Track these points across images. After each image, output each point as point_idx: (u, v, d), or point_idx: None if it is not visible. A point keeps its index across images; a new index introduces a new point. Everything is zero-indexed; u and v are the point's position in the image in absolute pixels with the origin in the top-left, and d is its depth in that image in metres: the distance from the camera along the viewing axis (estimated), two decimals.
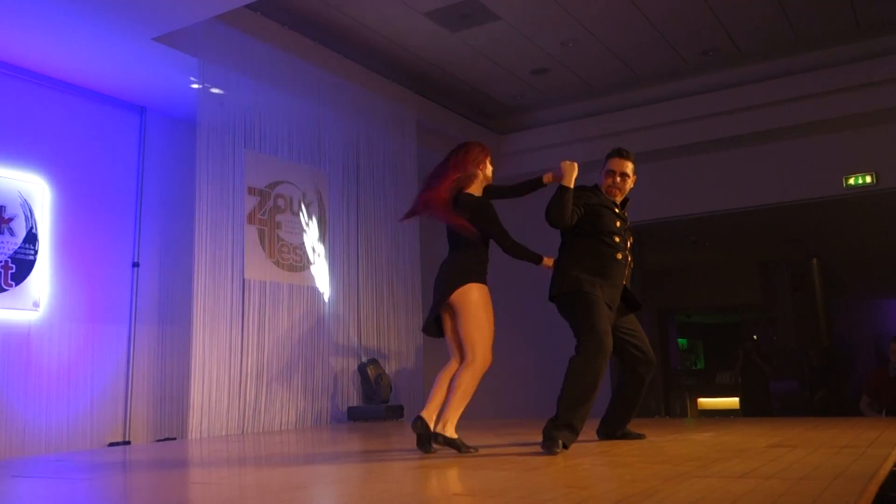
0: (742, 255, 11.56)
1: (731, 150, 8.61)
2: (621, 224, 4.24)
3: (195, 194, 6.17)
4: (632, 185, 4.40)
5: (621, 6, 6.66)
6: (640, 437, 4.41)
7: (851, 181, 8.02)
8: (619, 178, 4.33)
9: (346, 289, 7.42)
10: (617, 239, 4.18)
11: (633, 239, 4.40)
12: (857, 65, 7.53)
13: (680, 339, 14.58)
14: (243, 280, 6.43)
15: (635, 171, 4.41)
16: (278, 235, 6.85)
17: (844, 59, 7.56)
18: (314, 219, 7.22)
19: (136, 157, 6.90)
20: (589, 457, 3.60)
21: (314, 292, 7.10)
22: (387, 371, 7.51)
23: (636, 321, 4.39)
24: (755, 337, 12.72)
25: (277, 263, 6.78)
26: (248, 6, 6.10)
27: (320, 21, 6.78)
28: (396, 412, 7.30)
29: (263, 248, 6.69)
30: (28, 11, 5.32)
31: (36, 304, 5.99)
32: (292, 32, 6.73)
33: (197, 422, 5.92)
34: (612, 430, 4.43)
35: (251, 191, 6.65)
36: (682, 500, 2.33)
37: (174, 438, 6.51)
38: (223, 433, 6.06)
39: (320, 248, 7.22)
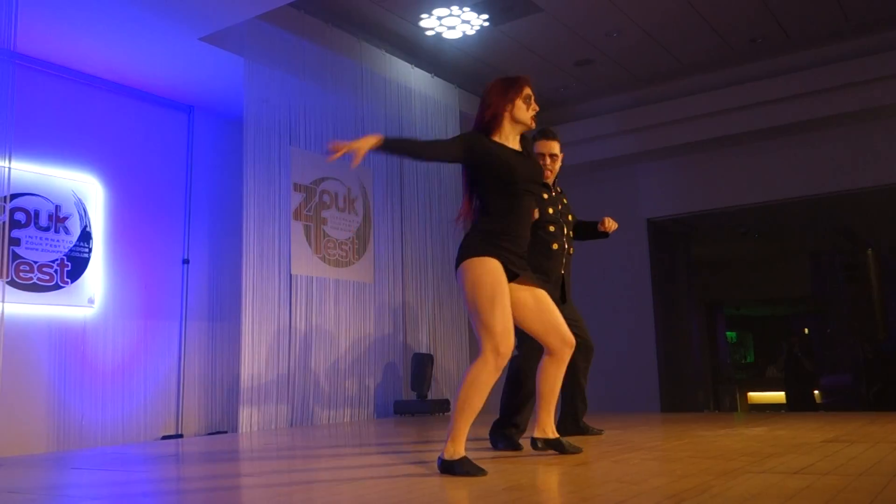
0: (793, 247, 11.33)
1: (780, 139, 8.43)
2: (555, 211, 4.02)
3: (242, 191, 6.26)
4: (560, 165, 4.22)
5: None
6: (599, 432, 4.33)
7: None
8: (548, 160, 4.13)
9: (392, 283, 7.46)
10: (552, 228, 3.98)
11: (574, 223, 4.21)
12: None
13: (729, 333, 14.34)
14: (290, 275, 6.51)
15: (562, 150, 4.24)
16: (324, 231, 6.90)
17: None
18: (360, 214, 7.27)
19: (184, 156, 7.03)
20: (639, 452, 3.56)
21: (360, 287, 7.15)
22: (433, 365, 7.52)
23: (574, 309, 4.17)
24: (805, 330, 12.46)
25: (324, 259, 6.84)
26: (291, 5, 6.16)
27: (363, 18, 6.81)
28: (443, 406, 7.31)
29: (310, 244, 6.75)
30: (78, 16, 5.45)
31: (91, 301, 6.15)
32: (335, 29, 6.78)
33: (247, 415, 6.01)
34: (571, 427, 4.29)
35: (297, 187, 6.71)
36: (735, 496, 2.29)
37: (225, 432, 6.63)
38: (272, 427, 6.14)
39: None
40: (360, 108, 7.27)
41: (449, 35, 7.17)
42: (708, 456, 3.26)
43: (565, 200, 4.22)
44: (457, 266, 3.09)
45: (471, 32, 7.13)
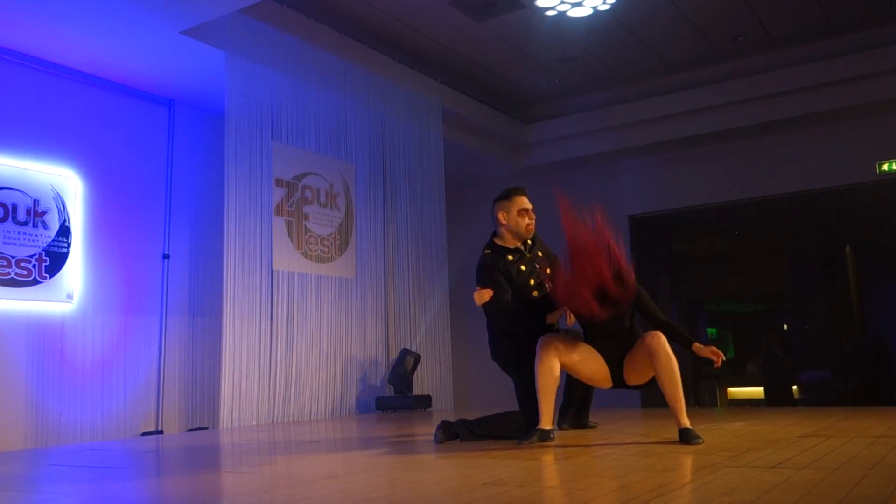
0: (772, 244, 11.41)
1: (761, 137, 8.50)
2: (528, 270, 4.00)
3: (224, 186, 6.22)
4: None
5: None
6: (594, 426, 4.51)
7: (885, 167, 7.89)
8: (532, 215, 4.08)
9: (374, 279, 7.45)
10: (536, 293, 4.01)
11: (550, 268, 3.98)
12: (891, 48, 7.38)
13: (709, 329, 14.45)
14: (272, 271, 6.48)
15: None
16: (306, 227, 6.88)
17: (877, 43, 7.42)
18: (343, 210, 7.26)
19: (165, 151, 6.97)
20: (619, 446, 3.58)
21: (342, 283, 7.14)
22: (415, 362, 7.52)
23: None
24: (785, 326, 12.57)
25: (305, 255, 6.82)
26: None
27: (346, 12, 6.79)
28: (424, 402, 7.32)
29: (291, 240, 6.73)
30: (58, 8, 5.38)
31: (70, 297, 6.09)
32: (318, 24, 6.74)
33: (228, 411, 5.98)
34: (580, 422, 4.46)
35: (279, 182, 6.69)
36: (714, 490, 2.31)
37: (206, 428, 6.59)
38: (253, 423, 6.12)
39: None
40: (343, 103, 7.25)
41: (574, 13, 6.81)
42: (687, 451, 3.29)
43: (540, 253, 4.12)
44: None
45: (604, 7, 6.71)
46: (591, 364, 3.79)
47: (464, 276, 9.24)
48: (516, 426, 3.92)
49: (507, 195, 4.10)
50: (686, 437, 3.56)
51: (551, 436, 3.70)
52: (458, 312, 8.74)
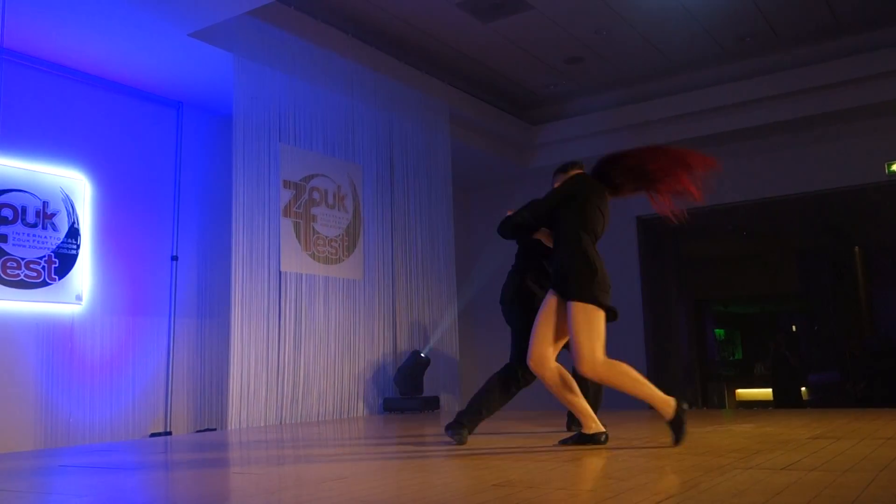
0: (781, 244, 11.38)
1: (769, 138, 8.47)
2: None
3: (232, 188, 6.24)
4: None
5: None
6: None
7: (894, 167, 7.86)
8: None
9: (382, 281, 7.45)
10: None
11: None
12: None
13: (717, 330, 14.41)
14: (280, 273, 6.49)
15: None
16: (314, 228, 6.89)
17: (885, 43, 7.38)
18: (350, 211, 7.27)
19: (173, 152, 7.00)
20: (628, 448, 3.58)
21: (349, 284, 7.14)
22: (424, 363, 7.51)
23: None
24: (794, 327, 12.53)
25: (313, 256, 6.83)
26: (280, 0, 6.14)
27: (353, 14, 6.80)
28: (432, 403, 7.31)
29: (299, 241, 6.74)
30: (66, 11, 5.41)
31: (79, 298, 6.11)
32: (325, 26, 6.76)
33: (236, 413, 5.99)
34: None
35: (286, 184, 6.70)
36: (723, 492, 2.31)
37: (214, 429, 6.61)
38: (261, 424, 6.13)
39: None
40: (350, 104, 7.26)
41: None
42: (696, 452, 3.28)
43: None
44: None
45: None
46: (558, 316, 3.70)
47: (469, 275, 9.25)
48: (498, 395, 4.00)
49: (565, 169, 4.49)
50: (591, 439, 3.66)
51: (602, 439, 3.73)
52: (467, 313, 8.74)
